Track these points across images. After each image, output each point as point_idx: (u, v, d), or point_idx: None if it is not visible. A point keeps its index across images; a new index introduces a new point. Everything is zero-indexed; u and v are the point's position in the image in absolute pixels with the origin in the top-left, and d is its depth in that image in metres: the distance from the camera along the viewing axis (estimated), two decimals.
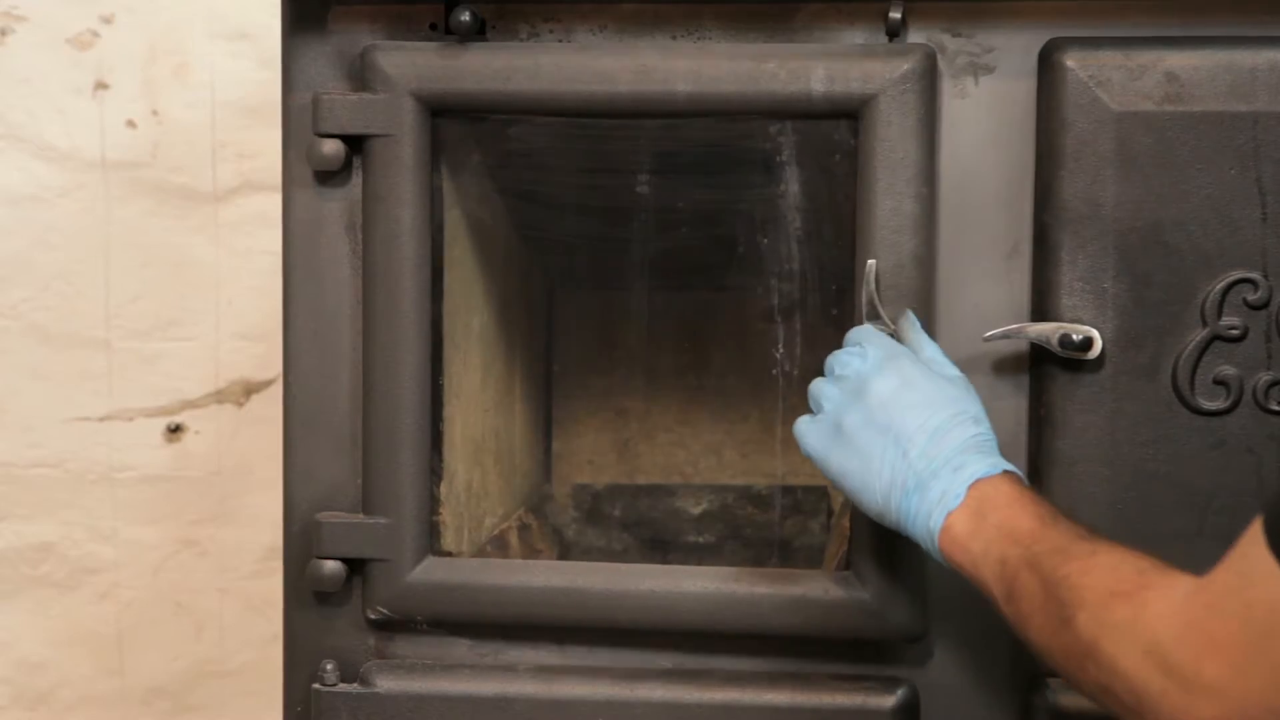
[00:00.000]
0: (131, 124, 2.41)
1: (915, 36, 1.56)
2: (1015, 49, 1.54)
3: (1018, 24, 1.53)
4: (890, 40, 1.55)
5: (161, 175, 2.42)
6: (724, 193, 2.00)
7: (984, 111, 1.55)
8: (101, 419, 2.46)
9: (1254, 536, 1.07)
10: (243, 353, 2.44)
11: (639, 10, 1.59)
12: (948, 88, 1.55)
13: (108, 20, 2.35)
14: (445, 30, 1.59)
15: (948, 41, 1.55)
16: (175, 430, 2.48)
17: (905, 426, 1.37)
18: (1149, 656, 1.12)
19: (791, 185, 1.78)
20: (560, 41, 1.60)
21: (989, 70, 1.55)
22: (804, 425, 1.44)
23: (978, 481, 1.34)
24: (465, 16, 1.57)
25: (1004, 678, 1.58)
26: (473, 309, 1.84)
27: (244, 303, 2.41)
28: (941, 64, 1.55)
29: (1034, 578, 1.25)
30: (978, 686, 1.59)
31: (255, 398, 2.43)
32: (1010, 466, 1.37)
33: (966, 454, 1.35)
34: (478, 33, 1.59)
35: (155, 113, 2.37)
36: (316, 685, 1.63)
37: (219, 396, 2.47)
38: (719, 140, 1.87)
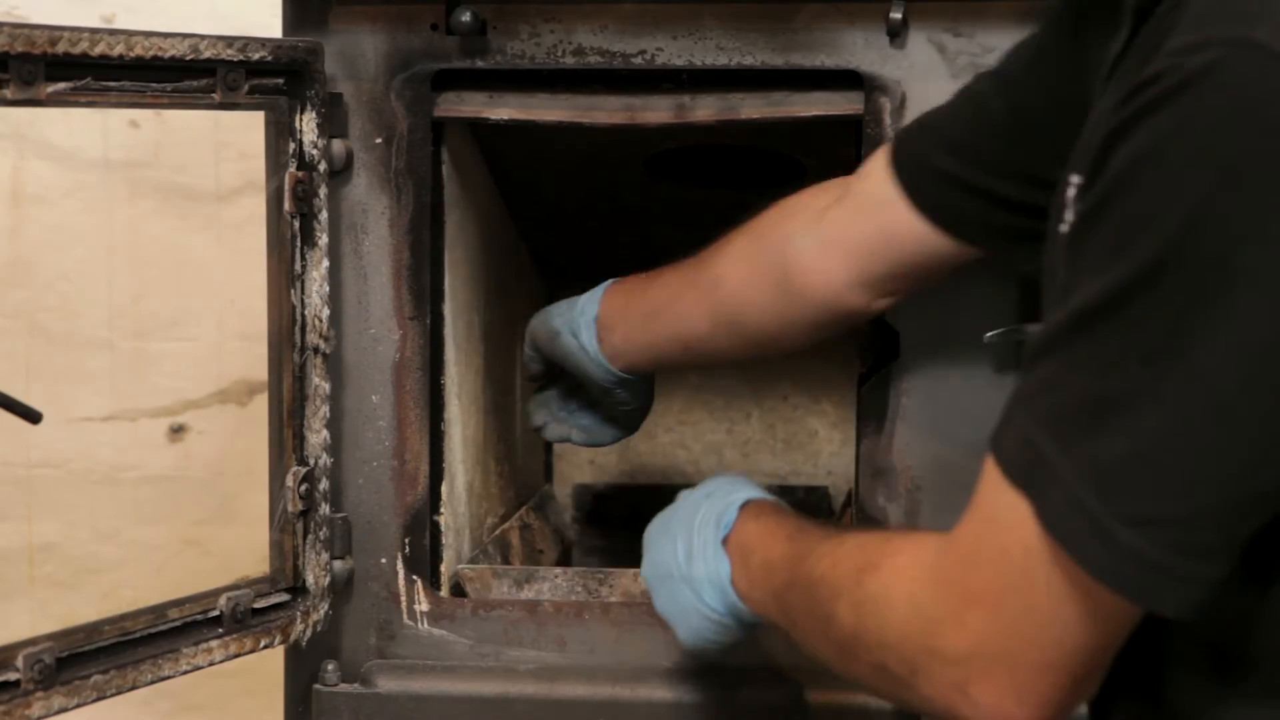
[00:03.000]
0: (134, 124, 2.41)
1: (916, 36, 1.56)
2: None
3: (1018, 24, 1.52)
4: (891, 40, 1.55)
5: (164, 175, 2.42)
6: (727, 192, 2.00)
7: None
8: (104, 419, 2.46)
9: (992, 477, 1.02)
10: (245, 353, 2.45)
11: (639, 10, 1.59)
12: (948, 88, 1.55)
13: (108, 20, 2.35)
14: (446, 30, 1.59)
15: (948, 41, 1.55)
16: (178, 430, 2.49)
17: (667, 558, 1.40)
18: (911, 620, 1.06)
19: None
20: (560, 41, 1.60)
21: None
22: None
23: (728, 536, 1.34)
24: (466, 16, 1.57)
25: None
26: (474, 309, 1.84)
27: (247, 303, 2.41)
28: (942, 64, 1.55)
29: (796, 594, 1.22)
30: None
31: (258, 398, 2.44)
32: (749, 494, 1.37)
33: (705, 528, 1.36)
34: (478, 33, 1.59)
35: (157, 112, 2.38)
36: (317, 685, 1.63)
37: (222, 396, 2.48)
38: (724, 142, 1.87)
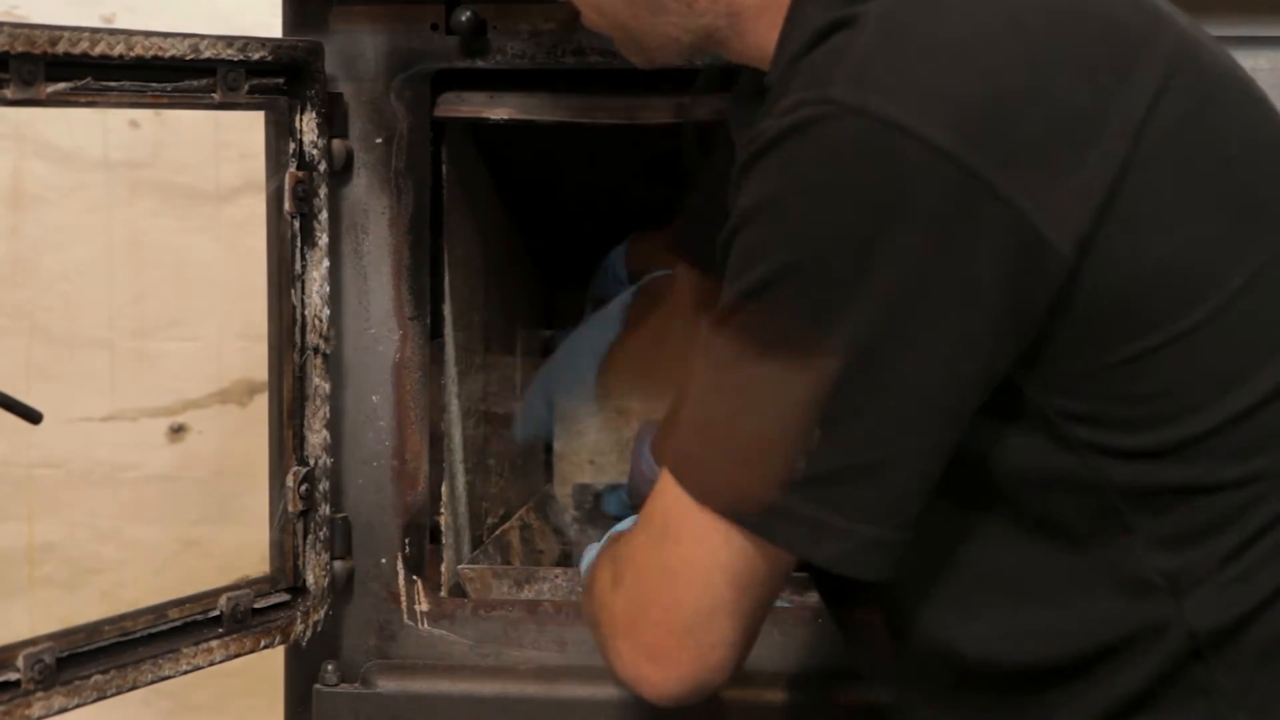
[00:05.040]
0: (134, 124, 2.41)
1: None
2: None
3: None
4: None
5: (164, 175, 2.42)
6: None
7: None
8: (104, 419, 2.46)
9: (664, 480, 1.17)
10: (246, 353, 2.45)
11: None
12: None
13: (109, 20, 2.35)
14: (446, 30, 1.59)
15: None
16: (178, 430, 2.48)
17: None
18: (605, 570, 1.23)
19: None
20: (560, 41, 1.60)
21: None
22: None
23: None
24: (465, 16, 1.57)
25: None
26: (474, 309, 1.84)
27: (247, 303, 2.41)
28: None
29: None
30: None
31: (258, 398, 2.44)
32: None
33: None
34: (478, 33, 1.59)
35: (158, 112, 2.38)
36: (317, 685, 1.63)
37: (222, 396, 2.48)
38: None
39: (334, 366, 1.59)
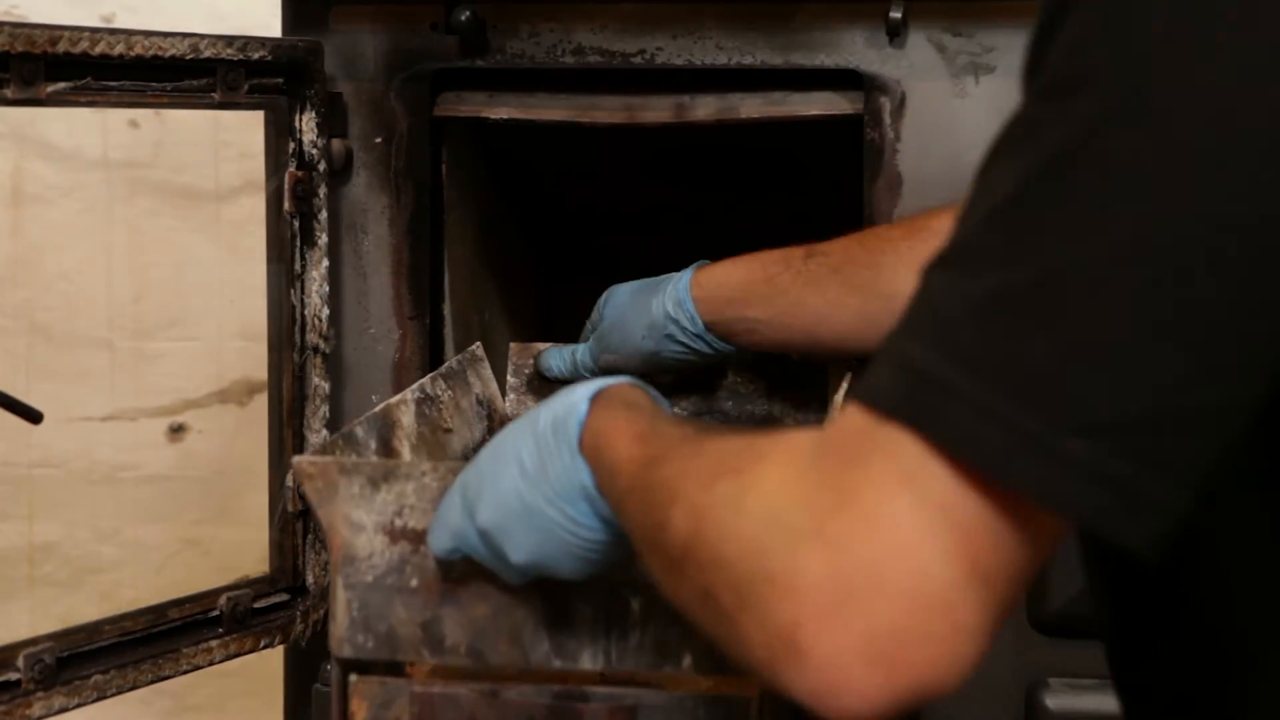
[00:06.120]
0: (134, 124, 2.41)
1: (915, 36, 1.56)
2: (1015, 49, 1.54)
3: (1018, 24, 1.52)
4: (891, 40, 1.55)
5: (164, 175, 2.42)
6: (729, 195, 2.00)
7: (984, 111, 1.55)
8: (104, 419, 2.46)
9: (854, 425, 0.80)
10: (245, 353, 2.45)
11: (639, 10, 1.59)
12: (948, 88, 1.55)
13: (108, 20, 2.35)
14: (446, 30, 1.60)
15: (948, 41, 1.55)
16: (178, 430, 2.49)
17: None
18: (761, 533, 0.80)
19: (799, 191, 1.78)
20: (560, 41, 1.60)
21: (989, 70, 1.55)
22: None
23: (584, 423, 1.06)
24: (465, 16, 1.57)
25: (1005, 677, 1.58)
26: (474, 309, 1.84)
27: (246, 303, 2.41)
28: (942, 64, 1.55)
29: (634, 501, 0.97)
30: (978, 686, 1.59)
31: (257, 397, 2.44)
32: (598, 385, 1.09)
33: (553, 432, 1.08)
34: (478, 32, 1.59)
35: (157, 112, 2.38)
36: (317, 685, 1.63)
37: (221, 396, 2.48)
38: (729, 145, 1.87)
39: (334, 366, 1.59)
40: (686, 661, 1.17)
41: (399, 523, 1.18)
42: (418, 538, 1.17)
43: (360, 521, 1.18)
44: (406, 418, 1.43)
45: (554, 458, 1.06)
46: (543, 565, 1.09)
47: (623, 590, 1.16)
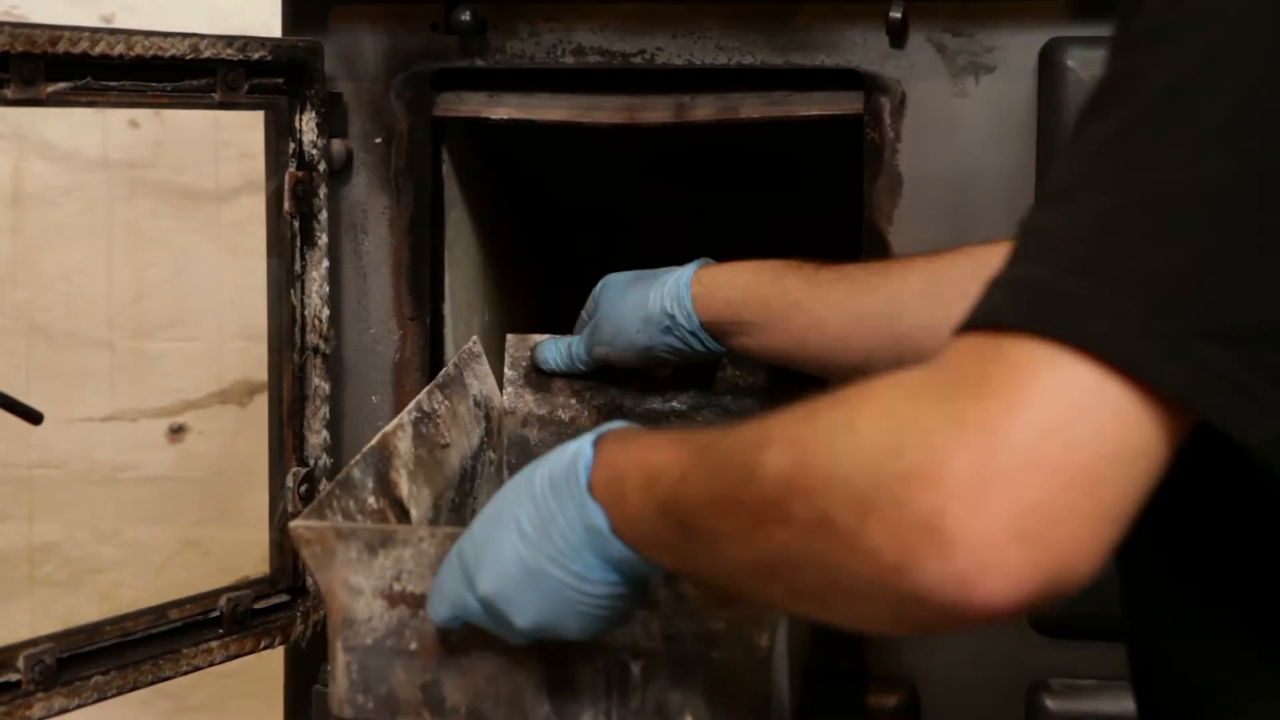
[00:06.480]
0: (134, 124, 2.41)
1: (915, 36, 1.56)
2: (1015, 49, 1.54)
3: (1018, 24, 1.53)
4: (890, 40, 1.55)
5: (164, 175, 2.42)
6: (729, 194, 2.00)
7: (984, 111, 1.55)
8: (104, 419, 2.46)
9: (972, 350, 0.80)
10: (245, 353, 2.45)
11: (639, 10, 1.59)
12: (948, 88, 1.55)
13: (108, 20, 2.35)
14: (445, 30, 1.60)
15: (948, 41, 1.55)
16: (178, 430, 2.48)
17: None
18: (885, 436, 0.79)
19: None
20: (560, 41, 1.60)
21: (989, 70, 1.55)
22: None
23: (593, 465, 1.04)
24: (465, 16, 1.58)
25: (1005, 677, 1.58)
26: (474, 309, 1.84)
27: (246, 303, 2.41)
28: (942, 64, 1.55)
29: (697, 477, 0.93)
30: (978, 686, 1.59)
31: (258, 398, 2.44)
32: (599, 430, 1.07)
33: (555, 488, 1.05)
34: (478, 32, 1.59)
35: (157, 112, 2.38)
36: (317, 685, 1.63)
37: (221, 397, 2.48)
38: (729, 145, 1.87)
39: (334, 366, 1.60)
40: None
41: (397, 587, 1.17)
42: (416, 602, 1.16)
43: (358, 586, 1.17)
44: (404, 444, 1.42)
45: (555, 516, 1.04)
46: (549, 627, 1.07)
47: (623, 654, 1.15)
